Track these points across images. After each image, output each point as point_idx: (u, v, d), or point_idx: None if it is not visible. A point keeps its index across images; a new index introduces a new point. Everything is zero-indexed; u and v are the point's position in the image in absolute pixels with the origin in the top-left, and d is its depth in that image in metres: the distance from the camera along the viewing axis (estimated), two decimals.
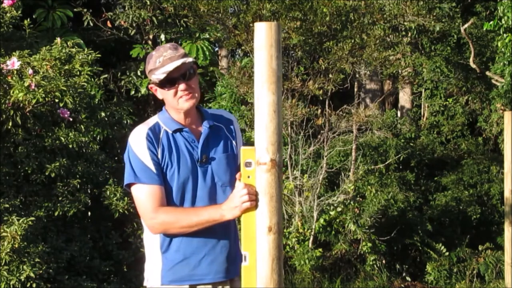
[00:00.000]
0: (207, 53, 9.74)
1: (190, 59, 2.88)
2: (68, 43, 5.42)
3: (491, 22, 9.99)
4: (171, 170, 2.88)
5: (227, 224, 2.76)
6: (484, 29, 10.59)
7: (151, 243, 2.97)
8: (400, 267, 9.39)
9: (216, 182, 2.92)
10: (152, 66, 2.91)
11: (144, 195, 2.87)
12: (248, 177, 2.43)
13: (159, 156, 2.88)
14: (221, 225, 2.78)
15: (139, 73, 9.80)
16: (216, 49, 12.14)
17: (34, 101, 4.88)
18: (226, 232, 2.89)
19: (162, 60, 2.88)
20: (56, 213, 4.95)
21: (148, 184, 2.86)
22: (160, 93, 2.96)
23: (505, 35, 9.84)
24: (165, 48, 2.93)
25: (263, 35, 2.28)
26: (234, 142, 3.01)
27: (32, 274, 4.42)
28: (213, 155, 2.93)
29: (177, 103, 2.91)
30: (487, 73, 11.55)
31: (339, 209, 8.65)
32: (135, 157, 2.88)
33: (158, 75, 2.87)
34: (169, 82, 2.88)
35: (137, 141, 2.90)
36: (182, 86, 2.88)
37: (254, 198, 2.42)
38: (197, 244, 2.90)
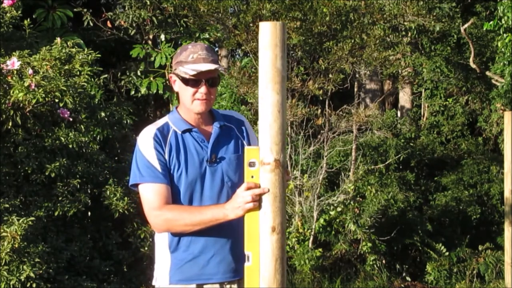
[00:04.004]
0: None
1: (222, 68, 2.92)
2: (68, 43, 5.41)
3: (491, 22, 9.99)
4: (179, 170, 2.88)
5: (236, 224, 2.73)
6: (484, 29, 10.60)
7: (160, 243, 2.97)
8: (400, 267, 9.39)
9: (225, 182, 2.92)
10: (183, 58, 2.91)
11: (149, 193, 2.88)
12: (252, 177, 2.43)
13: (166, 156, 2.89)
14: (230, 224, 2.77)
15: (139, 73, 9.80)
16: (216, 49, 12.13)
17: (34, 101, 4.87)
18: (235, 232, 2.86)
19: (196, 58, 2.88)
20: (56, 213, 4.94)
21: (153, 183, 2.86)
22: (178, 87, 2.97)
23: (505, 35, 9.84)
24: (202, 47, 2.93)
25: (268, 34, 2.28)
26: (245, 142, 3.00)
27: (32, 274, 4.41)
28: (224, 155, 2.93)
29: (191, 103, 2.93)
30: (487, 73, 11.56)
31: (339, 209, 8.65)
32: (142, 156, 2.89)
33: (187, 69, 2.87)
34: (194, 80, 2.89)
35: (145, 141, 2.92)
36: (203, 89, 2.90)
37: (257, 198, 2.42)
38: (206, 244, 2.90)
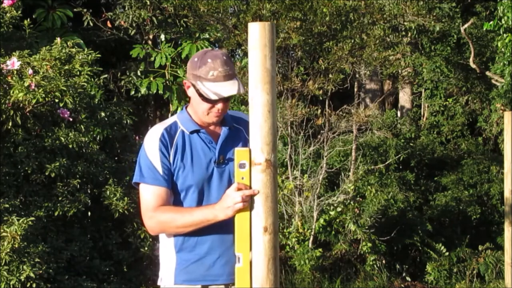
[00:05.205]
0: None
1: (242, 90, 2.86)
2: (68, 43, 5.42)
3: (491, 22, 10.00)
4: (185, 171, 2.88)
5: None
6: (484, 29, 10.60)
7: (166, 243, 2.97)
8: (400, 267, 9.39)
9: (233, 183, 2.91)
10: (203, 74, 2.84)
11: (147, 195, 2.89)
12: (242, 178, 2.45)
13: (171, 158, 2.89)
14: None
15: (139, 73, 9.79)
16: (216, 49, 12.13)
17: (34, 101, 4.88)
18: None
19: (216, 75, 2.82)
20: (56, 213, 4.94)
21: (152, 185, 2.87)
22: (193, 94, 2.93)
23: (505, 35, 9.85)
24: (221, 61, 2.84)
25: (257, 35, 2.29)
26: None
27: (32, 274, 4.42)
28: (231, 156, 2.90)
29: (205, 115, 2.91)
30: (487, 73, 11.56)
31: (339, 209, 8.66)
32: (145, 156, 2.90)
33: (208, 91, 2.82)
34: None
35: (151, 141, 2.91)
36: (220, 105, 2.88)
37: (247, 199, 2.44)
38: (212, 245, 2.89)
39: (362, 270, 8.82)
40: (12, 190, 4.90)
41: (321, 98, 9.32)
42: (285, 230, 8.56)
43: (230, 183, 2.86)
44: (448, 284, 9.07)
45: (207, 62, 2.84)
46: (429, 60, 12.83)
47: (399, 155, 10.91)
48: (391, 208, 9.63)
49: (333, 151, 9.64)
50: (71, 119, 5.28)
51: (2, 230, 4.44)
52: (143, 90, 9.61)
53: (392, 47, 9.75)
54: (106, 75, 7.44)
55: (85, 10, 9.52)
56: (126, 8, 9.74)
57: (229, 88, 2.83)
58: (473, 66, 11.88)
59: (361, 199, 9.28)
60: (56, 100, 5.05)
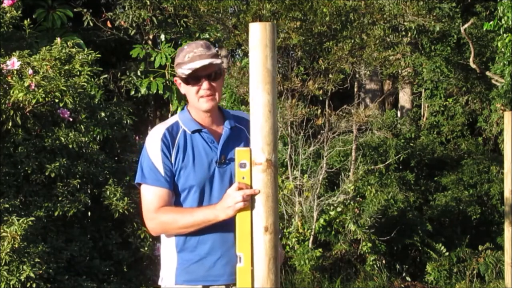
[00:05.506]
0: None
1: (218, 61, 2.88)
2: (68, 43, 5.42)
3: (491, 22, 10.00)
4: (186, 171, 2.88)
5: None
6: (484, 29, 10.61)
7: (167, 242, 2.97)
8: (400, 267, 9.40)
9: (234, 183, 2.91)
10: (181, 60, 2.91)
11: (149, 196, 2.89)
12: (243, 177, 2.45)
13: (173, 158, 2.89)
14: None
15: (139, 73, 9.80)
16: (216, 49, 12.13)
17: (34, 101, 4.88)
18: None
19: (192, 56, 2.88)
20: (56, 213, 4.94)
21: (154, 186, 2.87)
22: (183, 88, 2.97)
23: (505, 35, 9.85)
24: (197, 44, 2.92)
25: (258, 35, 2.30)
26: None
27: (32, 274, 4.41)
28: (233, 156, 2.87)
29: (197, 101, 2.92)
30: (487, 73, 11.57)
31: (339, 209, 8.66)
32: (147, 157, 2.90)
33: (184, 70, 2.88)
34: (193, 78, 2.89)
35: (152, 141, 2.91)
36: (205, 85, 2.89)
37: (248, 198, 2.44)
38: (213, 245, 2.89)
39: (362, 270, 8.82)
40: (12, 190, 4.89)
41: (321, 98, 9.32)
42: (285, 230, 8.56)
43: (231, 183, 2.84)
44: (448, 284, 9.07)
45: (183, 49, 2.93)
46: (429, 60, 12.84)
47: (399, 155, 10.91)
48: (391, 208, 9.63)
49: (333, 151, 9.64)
50: (71, 119, 5.28)
51: (2, 230, 4.44)
52: (143, 90, 9.61)
53: (392, 47, 9.74)
54: (106, 75, 7.44)
55: (85, 10, 9.53)
56: (126, 8, 9.75)
57: (202, 62, 2.86)
58: (473, 66, 11.88)
59: (361, 199, 9.28)
60: (56, 100, 5.05)
